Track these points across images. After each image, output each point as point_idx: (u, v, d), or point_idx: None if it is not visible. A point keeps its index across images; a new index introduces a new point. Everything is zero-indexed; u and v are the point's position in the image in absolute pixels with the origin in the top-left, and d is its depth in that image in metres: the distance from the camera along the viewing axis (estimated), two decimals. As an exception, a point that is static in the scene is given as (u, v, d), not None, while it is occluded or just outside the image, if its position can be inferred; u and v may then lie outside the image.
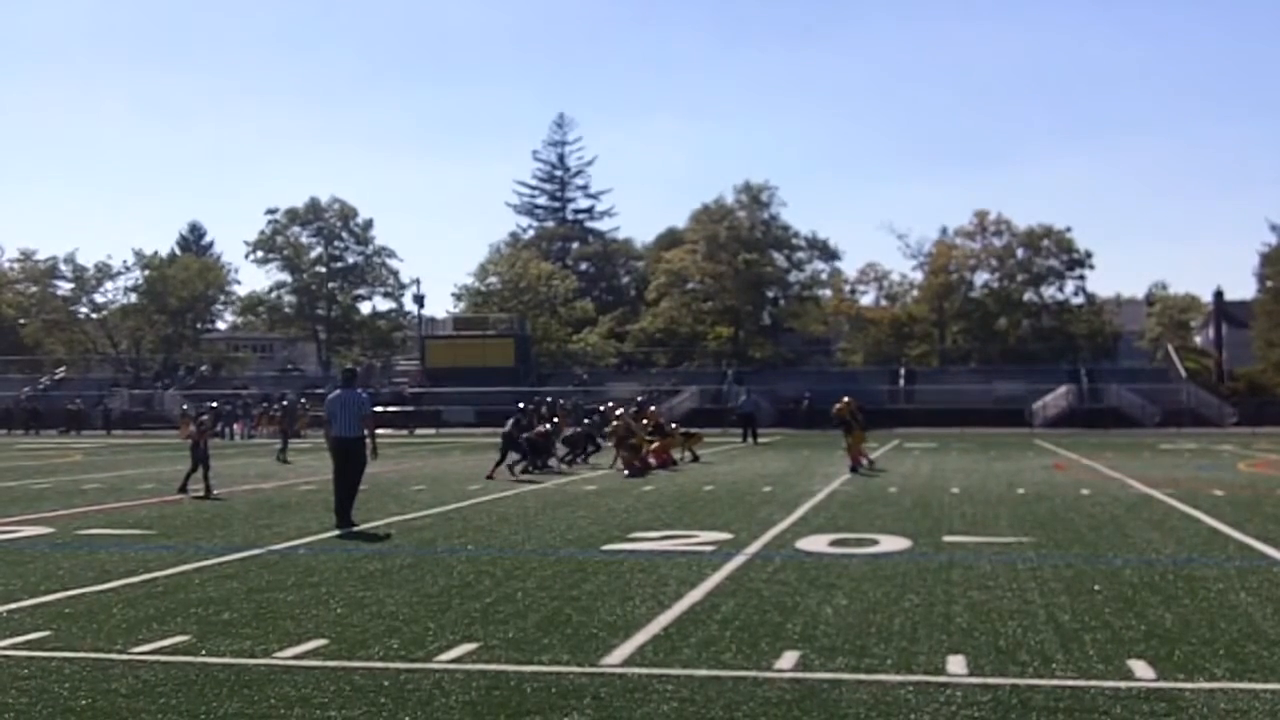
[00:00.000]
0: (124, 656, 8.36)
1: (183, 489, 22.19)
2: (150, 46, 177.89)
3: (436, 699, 7.15)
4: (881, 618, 9.55)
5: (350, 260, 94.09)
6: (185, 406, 63.62)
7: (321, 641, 8.80)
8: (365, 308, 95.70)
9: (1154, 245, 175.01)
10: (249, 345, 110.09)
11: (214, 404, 36.41)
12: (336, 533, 15.73)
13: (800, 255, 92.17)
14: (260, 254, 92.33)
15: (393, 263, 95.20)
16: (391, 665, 8.02)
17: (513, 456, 26.27)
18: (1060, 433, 56.45)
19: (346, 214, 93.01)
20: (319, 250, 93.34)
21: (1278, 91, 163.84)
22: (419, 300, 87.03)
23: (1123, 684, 7.39)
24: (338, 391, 17.41)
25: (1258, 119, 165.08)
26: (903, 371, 79.06)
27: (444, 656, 8.26)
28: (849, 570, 12.08)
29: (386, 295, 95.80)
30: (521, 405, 29.46)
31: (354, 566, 12.61)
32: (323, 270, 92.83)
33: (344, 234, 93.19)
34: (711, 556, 13.11)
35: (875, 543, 14.33)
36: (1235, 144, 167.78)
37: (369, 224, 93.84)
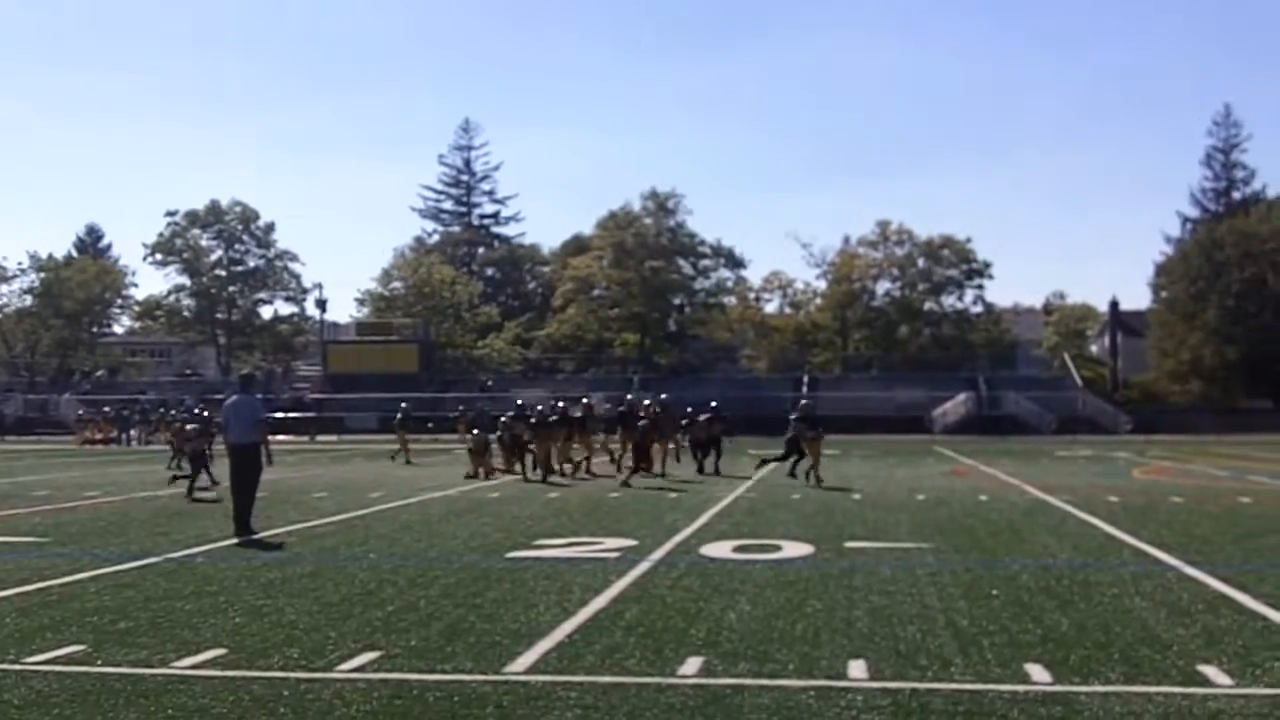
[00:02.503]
0: (17, 667, 8.19)
1: (190, 495, 22.21)
2: (47, 44, 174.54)
3: (337, 709, 7.09)
4: (784, 623, 9.61)
5: (251, 264, 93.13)
6: (108, 409, 62.54)
7: (220, 651, 8.68)
8: (266, 312, 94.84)
9: (1051, 256, 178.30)
10: (147, 350, 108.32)
11: (202, 410, 35.30)
12: (235, 541, 15.52)
13: (706, 263, 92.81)
14: (159, 257, 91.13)
15: (295, 267, 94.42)
16: (291, 675, 7.93)
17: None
18: (959, 439, 57.23)
19: (248, 217, 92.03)
20: (219, 253, 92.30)
21: (1173, 106, 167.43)
22: (321, 305, 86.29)
23: (1020, 687, 7.50)
24: (234, 397, 17.17)
25: (1154, 133, 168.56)
26: (806, 379, 79.65)
27: (345, 666, 8.19)
28: (752, 576, 12.14)
29: (288, 299, 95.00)
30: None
31: (253, 575, 12.46)
32: (223, 274, 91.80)
33: (245, 237, 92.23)
34: (616, 563, 13.11)
35: (778, 549, 14.41)
36: (1131, 157, 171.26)
37: (271, 227, 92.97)
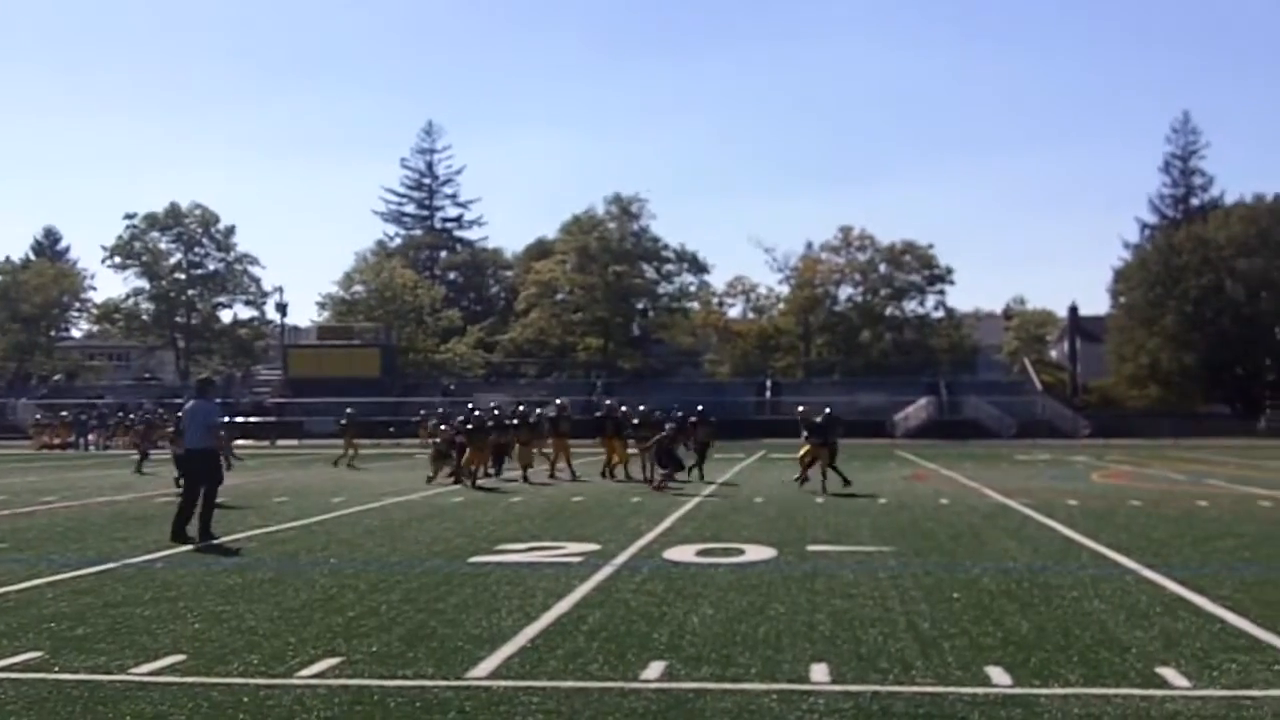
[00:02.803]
0: (-27, 674, 8.11)
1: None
2: (4, 43, 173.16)
3: (297, 715, 7.05)
4: (747, 627, 9.62)
5: (211, 267, 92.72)
6: (65, 414, 62.12)
7: (179, 657, 8.62)
8: (226, 316, 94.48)
9: (1012, 261, 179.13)
10: (105, 354, 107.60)
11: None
12: (191, 546, 15.39)
13: (669, 267, 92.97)
14: (118, 260, 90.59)
15: (255, 270, 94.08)
16: (251, 681, 7.88)
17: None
18: (920, 443, 57.48)
19: (208, 220, 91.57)
20: (179, 257, 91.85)
21: (1132, 114, 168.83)
22: (281, 309, 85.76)
23: (980, 690, 7.54)
24: (191, 402, 17.06)
25: (1113, 140, 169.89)
26: (768, 383, 79.82)
27: (305, 672, 8.14)
28: (715, 580, 12.15)
29: (248, 303, 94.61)
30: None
31: (213, 580, 12.37)
32: (182, 277, 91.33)
33: (205, 240, 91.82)
34: (579, 567, 13.09)
35: (741, 552, 14.43)
36: (1091, 164, 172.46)
37: (231, 230, 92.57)
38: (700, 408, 30.73)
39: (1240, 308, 76.99)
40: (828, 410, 26.83)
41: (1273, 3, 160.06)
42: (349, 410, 40.72)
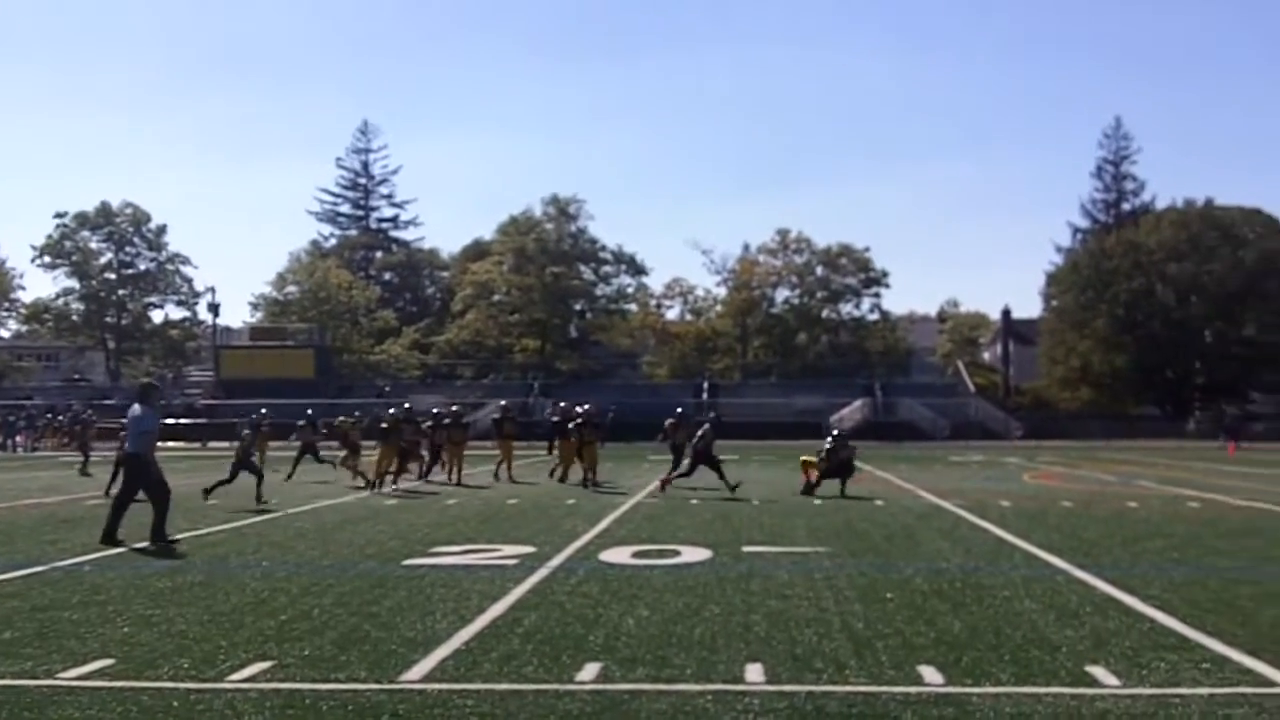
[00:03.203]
0: (-105, 680, 7.97)
1: (259, 499, 22.07)
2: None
3: (228, 719, 6.98)
4: (682, 628, 9.62)
5: (142, 267, 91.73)
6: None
7: (108, 661, 8.52)
8: (157, 316, 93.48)
9: (946, 265, 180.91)
10: (34, 354, 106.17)
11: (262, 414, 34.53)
12: (121, 549, 15.22)
13: (607, 269, 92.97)
14: (47, 259, 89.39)
15: (187, 270, 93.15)
16: (181, 685, 7.79)
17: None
18: (856, 445, 57.69)
19: (139, 219, 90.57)
20: (109, 256, 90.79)
21: (1064, 120, 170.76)
22: (213, 309, 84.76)
23: (913, 689, 7.58)
24: (134, 407, 16.87)
25: (1045, 146, 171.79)
26: (706, 385, 80.00)
27: (236, 676, 8.06)
28: (651, 581, 12.15)
29: (180, 303, 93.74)
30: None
31: (142, 584, 12.22)
32: (113, 277, 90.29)
33: (136, 240, 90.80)
34: (514, 570, 13.05)
35: (677, 554, 14.44)
36: (1024, 170, 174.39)
37: (162, 230, 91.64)
38: (679, 410, 29.57)
39: (1170, 311, 78.03)
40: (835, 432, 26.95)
41: (1203, 11, 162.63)
42: (263, 410, 40.38)
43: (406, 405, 30.53)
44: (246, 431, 24.11)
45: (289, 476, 29.09)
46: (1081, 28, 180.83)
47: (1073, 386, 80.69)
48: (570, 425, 28.07)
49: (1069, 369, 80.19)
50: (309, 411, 32.92)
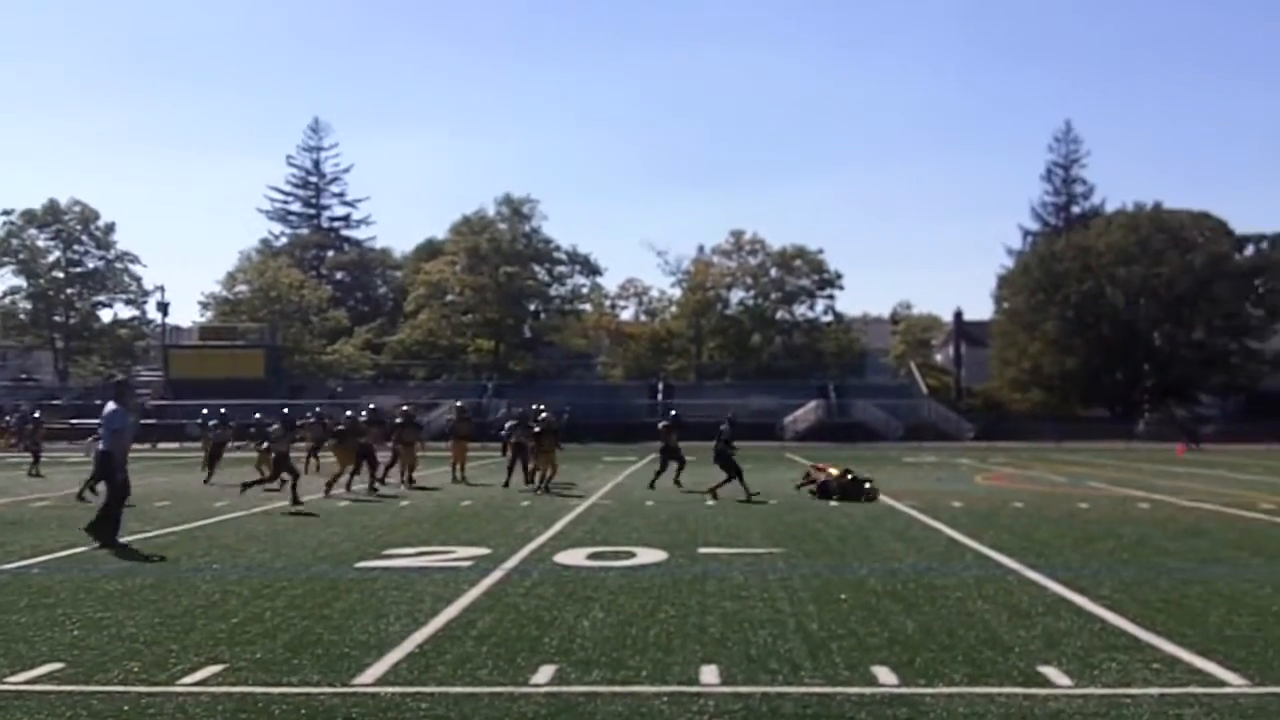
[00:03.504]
0: None
1: (296, 501, 21.83)
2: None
3: (180, 722, 6.92)
4: (637, 629, 9.62)
5: (90, 265, 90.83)
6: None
7: (57, 665, 8.42)
8: (106, 315, 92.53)
9: (899, 267, 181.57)
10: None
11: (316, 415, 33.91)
12: (70, 551, 15.08)
13: (561, 269, 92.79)
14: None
15: (136, 269, 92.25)
16: (132, 689, 7.72)
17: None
18: (810, 446, 58.01)
19: (87, 217, 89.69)
20: (57, 254, 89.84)
21: (1015, 123, 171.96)
22: (163, 308, 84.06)
23: (867, 690, 7.60)
24: (108, 405, 16.79)
25: (996, 150, 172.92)
26: (661, 386, 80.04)
27: (188, 679, 7.99)
28: (606, 583, 12.14)
29: (129, 302, 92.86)
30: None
31: (92, 586, 12.10)
32: (61, 275, 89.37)
33: (84, 238, 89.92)
34: (469, 572, 13.00)
35: (632, 555, 14.44)
36: (975, 172, 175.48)
37: (111, 228, 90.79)
38: (673, 411, 28.62)
39: (1120, 314, 78.73)
40: None
41: (1153, 17, 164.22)
42: (204, 411, 40.14)
43: (372, 406, 29.99)
44: (276, 427, 23.78)
45: (305, 471, 28.64)
46: (1033, 32, 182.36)
47: (1024, 388, 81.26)
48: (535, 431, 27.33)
49: (1020, 371, 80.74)
50: (316, 409, 32.43)
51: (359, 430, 26.35)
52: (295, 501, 21.68)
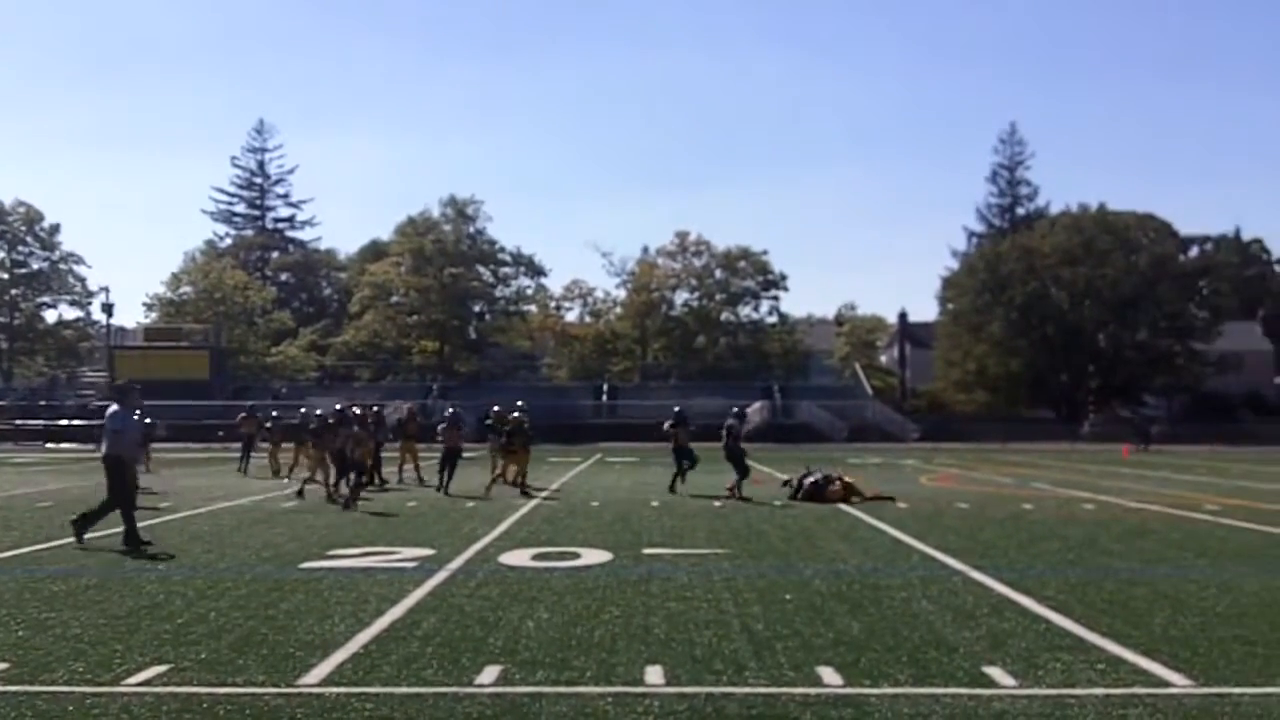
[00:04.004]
0: None
1: (353, 498, 21.83)
2: None
3: (123, 724, 6.87)
4: (582, 630, 9.62)
5: (35, 266, 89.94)
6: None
7: (2, 665, 8.38)
8: (50, 316, 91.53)
9: (844, 268, 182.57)
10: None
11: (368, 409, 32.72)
12: (14, 552, 14.93)
13: (506, 270, 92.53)
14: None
15: (80, 270, 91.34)
16: (76, 689, 7.67)
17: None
18: (755, 447, 57.96)
19: (32, 218, 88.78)
20: (1, 255, 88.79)
21: (960, 125, 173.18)
22: (107, 309, 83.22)
23: (812, 690, 7.64)
24: (111, 407, 16.79)
25: (941, 151, 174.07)
26: (606, 387, 80.00)
27: (132, 679, 7.94)
28: (551, 584, 12.13)
29: (73, 303, 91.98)
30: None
31: (36, 587, 11.98)
32: (5, 276, 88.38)
33: (29, 239, 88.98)
34: (413, 573, 12.96)
35: (577, 556, 14.44)
36: (920, 174, 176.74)
37: (55, 228, 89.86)
38: (677, 409, 27.75)
39: (1064, 315, 79.40)
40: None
41: (1097, 19, 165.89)
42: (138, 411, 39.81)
43: (353, 404, 27.99)
44: (349, 429, 23.24)
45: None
46: (977, 34, 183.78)
47: (968, 389, 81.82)
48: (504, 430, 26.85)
49: (965, 372, 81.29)
50: (337, 407, 31.87)
51: (335, 430, 24.40)
52: (351, 499, 21.87)
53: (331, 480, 23.34)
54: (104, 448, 16.46)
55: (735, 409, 27.38)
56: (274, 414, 35.83)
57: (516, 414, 26.63)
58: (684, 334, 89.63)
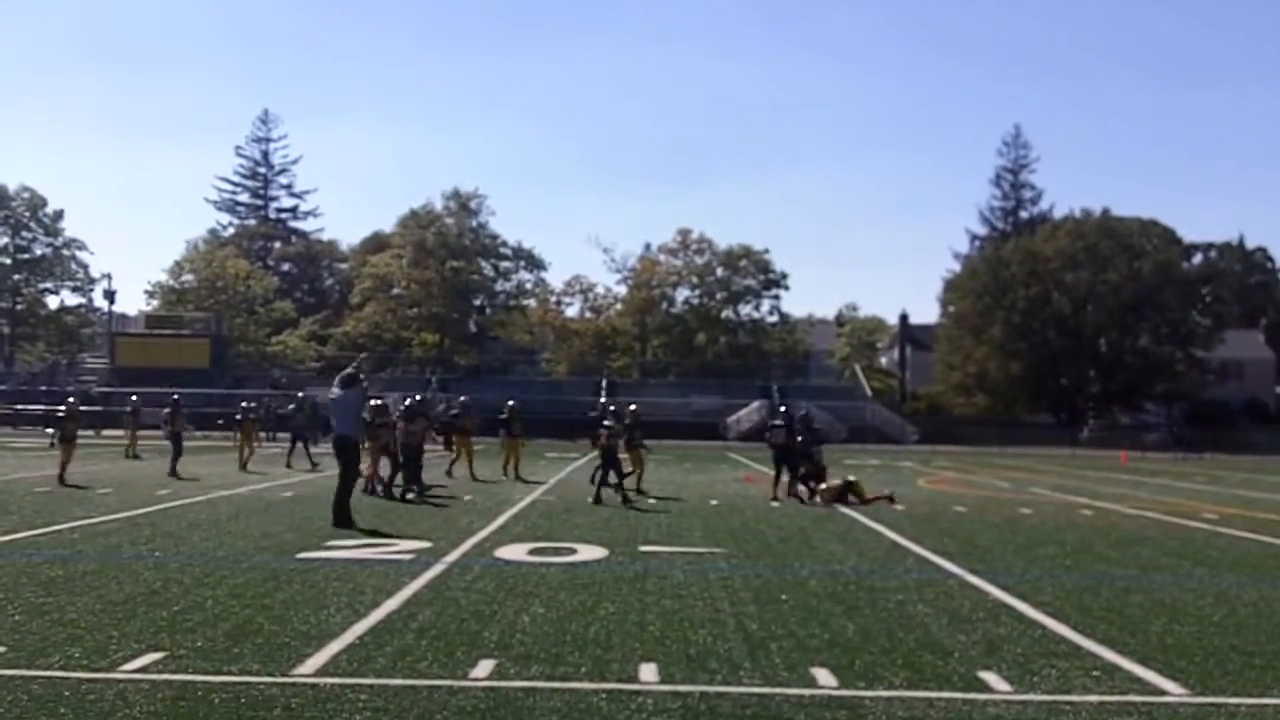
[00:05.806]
0: None
1: (397, 495, 22.04)
2: None
3: (119, 710, 6.88)
4: (577, 626, 9.63)
5: (38, 252, 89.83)
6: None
7: (-2, 650, 8.37)
8: (53, 302, 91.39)
9: (845, 268, 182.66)
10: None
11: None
12: (11, 537, 14.94)
13: (507, 264, 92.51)
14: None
15: (83, 256, 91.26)
16: (72, 674, 7.67)
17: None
18: (752, 446, 57.98)
19: (35, 203, 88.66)
20: (4, 240, 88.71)
21: (965, 126, 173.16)
22: (109, 296, 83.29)
23: (806, 691, 7.64)
24: (339, 392, 17.67)
25: (945, 153, 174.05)
26: (605, 383, 79.95)
27: (128, 666, 7.95)
28: (547, 579, 12.14)
29: (76, 290, 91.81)
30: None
31: (34, 572, 12.00)
32: (8, 262, 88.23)
33: (32, 224, 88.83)
34: (410, 565, 12.98)
35: (573, 551, 14.45)
36: (924, 175, 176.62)
37: (59, 214, 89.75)
38: (784, 408, 26.89)
39: (1065, 320, 79.31)
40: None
41: (1104, 23, 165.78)
42: (134, 399, 39.81)
43: (419, 397, 26.33)
44: (402, 421, 23.17)
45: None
46: (982, 36, 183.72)
47: (968, 392, 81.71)
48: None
49: (965, 375, 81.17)
50: (416, 398, 31.82)
51: (392, 424, 23.52)
52: (405, 488, 22.25)
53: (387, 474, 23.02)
54: (339, 428, 17.57)
55: (783, 409, 26.88)
56: (251, 404, 35.80)
57: (511, 403, 28.59)
58: (684, 331, 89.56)
